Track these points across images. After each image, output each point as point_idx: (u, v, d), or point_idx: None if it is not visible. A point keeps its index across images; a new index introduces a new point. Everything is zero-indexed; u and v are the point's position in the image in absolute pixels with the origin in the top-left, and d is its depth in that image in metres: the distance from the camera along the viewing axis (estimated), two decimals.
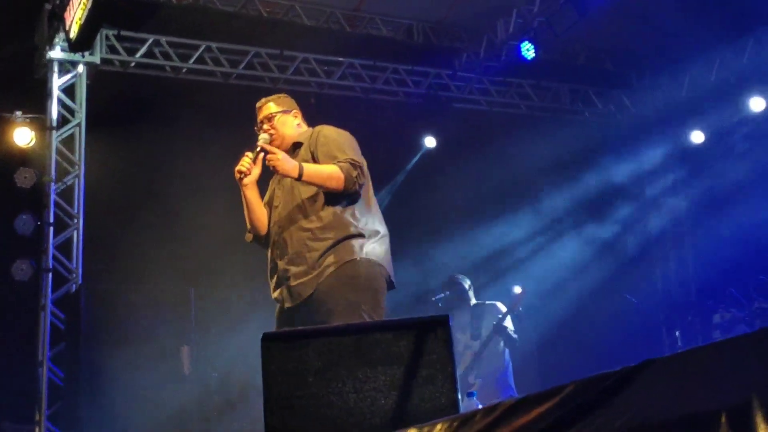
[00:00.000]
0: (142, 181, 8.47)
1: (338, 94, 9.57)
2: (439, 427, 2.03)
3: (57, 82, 8.14)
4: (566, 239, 10.01)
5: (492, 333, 6.80)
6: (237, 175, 4.23)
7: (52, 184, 7.98)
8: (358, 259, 4.06)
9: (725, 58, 9.67)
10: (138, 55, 8.63)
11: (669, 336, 9.62)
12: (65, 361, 7.35)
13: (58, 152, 8.09)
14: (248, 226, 4.39)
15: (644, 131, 10.68)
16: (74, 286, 7.82)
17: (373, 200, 4.32)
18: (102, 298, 6.94)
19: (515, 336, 6.93)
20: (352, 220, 4.13)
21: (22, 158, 7.95)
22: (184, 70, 8.89)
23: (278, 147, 4.22)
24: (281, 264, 4.18)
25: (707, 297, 8.93)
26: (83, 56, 8.08)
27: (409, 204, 9.68)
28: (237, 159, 4.25)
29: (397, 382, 2.96)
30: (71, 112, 8.23)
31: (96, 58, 8.28)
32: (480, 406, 5.04)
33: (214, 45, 8.95)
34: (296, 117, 4.51)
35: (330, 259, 4.06)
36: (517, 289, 7.00)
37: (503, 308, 6.98)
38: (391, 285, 4.22)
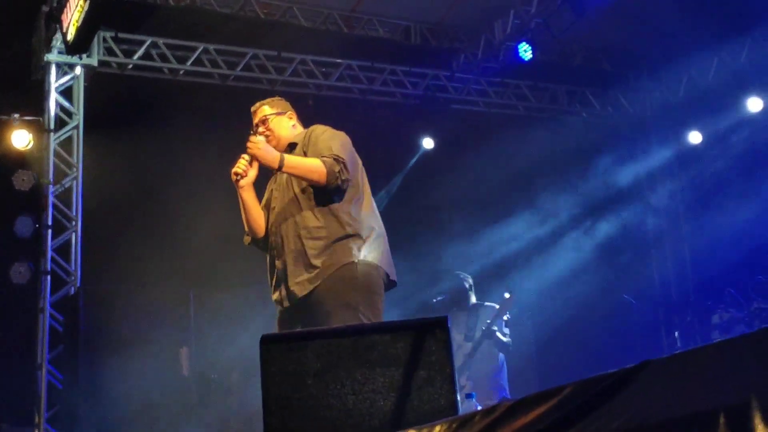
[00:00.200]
0: (141, 182, 8.46)
1: (336, 96, 9.58)
2: (438, 428, 2.03)
3: (54, 84, 8.14)
4: (564, 240, 10.01)
5: (482, 337, 6.79)
6: (233, 177, 4.26)
7: (51, 186, 7.98)
8: (356, 261, 4.06)
9: (723, 59, 9.68)
10: (135, 57, 8.63)
11: (668, 336, 9.63)
12: (64, 363, 7.34)
13: (56, 154, 8.09)
14: (246, 228, 4.41)
15: (642, 132, 10.69)
16: (73, 288, 7.82)
17: (371, 201, 4.33)
18: (101, 300, 6.94)
19: (507, 340, 6.90)
20: (349, 220, 4.14)
21: (20, 161, 7.95)
22: (181, 72, 8.89)
23: (274, 148, 4.23)
24: (279, 264, 4.20)
25: (706, 297, 8.93)
26: (81, 58, 8.08)
27: (408, 205, 9.68)
28: (235, 161, 4.27)
29: (396, 384, 2.95)
30: (69, 114, 8.23)
31: (93, 60, 8.28)
32: (479, 408, 5.04)
33: (211, 47, 8.95)
34: (291, 118, 4.54)
35: (327, 260, 4.06)
36: (506, 295, 6.97)
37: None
38: (392, 284, 4.23)
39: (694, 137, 10.13)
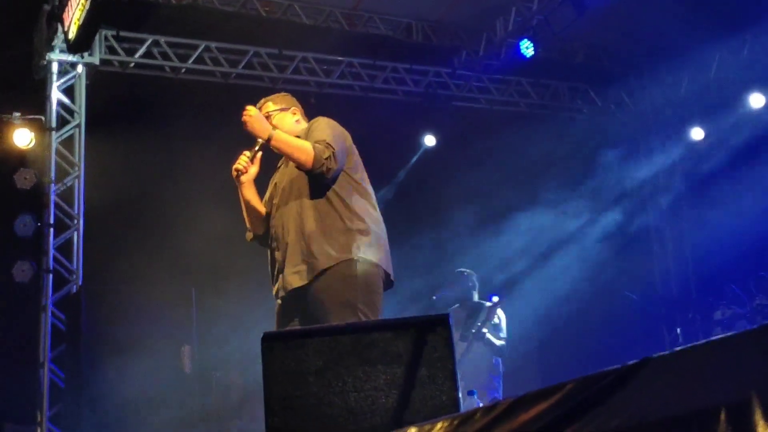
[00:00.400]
0: (143, 181, 8.46)
1: (337, 93, 9.57)
2: (439, 425, 2.03)
3: (56, 83, 8.14)
4: (566, 236, 10.00)
5: (473, 338, 6.78)
6: (234, 173, 4.27)
7: (52, 185, 7.98)
8: (355, 258, 4.05)
9: (724, 55, 9.66)
10: (137, 55, 8.63)
11: (670, 333, 9.62)
12: (66, 362, 7.35)
13: (58, 153, 8.09)
14: (247, 225, 4.42)
15: (644, 128, 10.68)
16: (75, 287, 7.82)
17: (372, 197, 4.32)
18: (103, 298, 6.95)
19: (500, 344, 6.87)
20: (350, 215, 4.14)
21: (22, 159, 7.95)
22: (183, 70, 8.88)
23: None
24: (278, 255, 4.22)
25: (708, 294, 8.93)
26: (82, 57, 8.08)
27: (409, 202, 9.67)
28: (236, 158, 4.27)
29: (397, 381, 2.95)
30: (71, 113, 8.23)
31: (95, 59, 8.28)
32: (480, 405, 5.04)
33: (213, 45, 8.95)
34: (295, 114, 4.54)
35: (326, 253, 4.05)
36: (494, 299, 6.95)
37: (500, 312, 6.95)
38: (389, 284, 4.22)
39: (697, 133, 10.12)
